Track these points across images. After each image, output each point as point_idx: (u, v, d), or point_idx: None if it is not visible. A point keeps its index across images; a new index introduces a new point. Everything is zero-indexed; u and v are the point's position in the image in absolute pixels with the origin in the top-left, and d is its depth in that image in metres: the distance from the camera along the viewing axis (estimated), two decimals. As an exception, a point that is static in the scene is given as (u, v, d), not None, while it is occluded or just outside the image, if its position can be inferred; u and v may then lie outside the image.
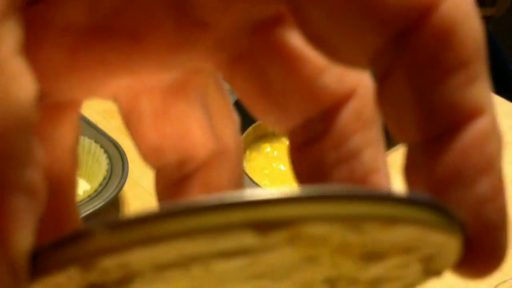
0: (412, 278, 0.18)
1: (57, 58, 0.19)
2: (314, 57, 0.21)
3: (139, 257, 0.15)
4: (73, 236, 0.16)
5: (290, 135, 0.22)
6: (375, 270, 0.17)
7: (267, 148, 0.82)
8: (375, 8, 0.17)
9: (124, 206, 0.82)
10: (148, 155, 0.23)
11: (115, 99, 0.22)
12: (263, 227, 0.15)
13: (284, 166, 0.80)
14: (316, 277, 0.17)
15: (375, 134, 0.21)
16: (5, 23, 0.16)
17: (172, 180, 0.23)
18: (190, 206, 0.15)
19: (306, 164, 0.22)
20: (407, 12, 0.17)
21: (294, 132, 0.22)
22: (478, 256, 0.18)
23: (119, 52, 0.19)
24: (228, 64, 0.21)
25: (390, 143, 0.21)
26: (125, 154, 0.82)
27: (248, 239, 0.15)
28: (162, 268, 0.16)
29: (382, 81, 0.18)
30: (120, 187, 0.78)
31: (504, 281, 0.71)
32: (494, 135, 0.18)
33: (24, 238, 0.16)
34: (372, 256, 0.17)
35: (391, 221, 0.16)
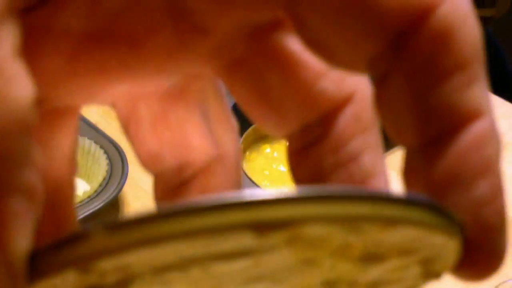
0: (411, 280, 0.18)
1: (56, 64, 0.19)
2: (312, 62, 0.21)
3: (137, 259, 0.15)
4: (71, 238, 0.16)
5: (289, 140, 0.22)
6: (374, 272, 0.17)
7: (267, 149, 0.82)
8: (373, 12, 0.17)
9: (124, 206, 0.82)
10: (147, 161, 0.23)
11: (114, 105, 0.22)
12: (262, 227, 0.15)
13: (284, 167, 0.80)
14: (315, 279, 0.17)
15: (373, 138, 0.21)
16: (3, 25, 0.16)
17: (171, 185, 0.23)
18: (188, 207, 0.15)
19: (305, 169, 0.22)
20: (404, 16, 0.17)
21: (292, 136, 0.22)
22: (477, 258, 0.18)
23: (118, 58, 0.20)
24: (226, 70, 0.21)
25: (388, 145, 0.21)
26: (125, 155, 0.82)
27: (247, 240, 0.15)
28: (161, 270, 0.16)
29: (380, 84, 0.18)
30: (120, 188, 0.78)
31: (504, 282, 0.71)
32: (492, 137, 0.18)
33: (22, 240, 0.16)
34: (371, 258, 0.17)
35: (390, 222, 0.16)
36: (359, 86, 0.21)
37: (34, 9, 0.18)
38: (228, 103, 0.24)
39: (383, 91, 0.18)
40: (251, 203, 0.15)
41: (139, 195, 0.83)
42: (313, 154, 0.21)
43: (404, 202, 0.16)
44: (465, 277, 0.18)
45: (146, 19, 0.19)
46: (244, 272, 0.16)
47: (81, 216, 0.74)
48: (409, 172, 0.19)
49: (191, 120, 0.22)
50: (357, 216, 0.16)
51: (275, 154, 0.82)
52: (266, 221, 0.15)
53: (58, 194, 0.22)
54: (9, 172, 0.16)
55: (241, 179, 0.24)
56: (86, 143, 0.82)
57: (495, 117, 0.18)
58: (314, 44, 0.19)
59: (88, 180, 0.81)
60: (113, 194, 0.78)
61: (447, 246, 0.17)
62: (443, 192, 0.18)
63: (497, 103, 1.05)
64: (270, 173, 0.80)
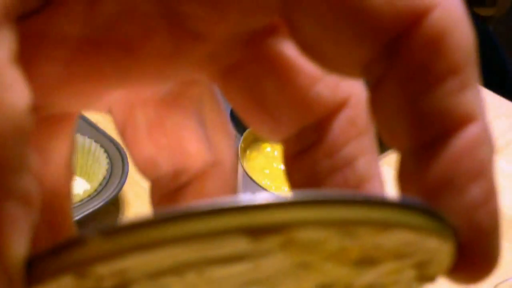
0: (406, 284, 0.18)
1: (52, 70, 0.19)
2: (307, 67, 0.21)
3: (133, 264, 0.15)
4: (67, 243, 0.16)
5: (284, 145, 0.22)
6: (369, 276, 0.18)
7: (267, 147, 0.82)
8: (366, 18, 0.17)
9: (125, 205, 0.83)
10: (144, 167, 0.23)
11: (110, 111, 0.22)
12: (256, 232, 0.15)
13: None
14: (311, 283, 0.17)
15: (368, 142, 0.21)
16: (0, 32, 0.16)
17: (167, 191, 0.23)
18: (183, 212, 0.15)
19: (300, 173, 0.22)
20: (397, 21, 0.17)
21: (288, 141, 0.22)
22: (471, 261, 0.18)
23: (114, 65, 0.20)
24: (222, 75, 0.21)
25: (382, 148, 0.21)
26: (125, 154, 0.82)
27: (242, 244, 0.15)
28: (157, 275, 0.16)
29: (374, 89, 0.18)
30: (120, 187, 0.78)
31: (505, 280, 0.71)
32: (485, 141, 0.18)
33: (19, 245, 0.16)
34: (366, 262, 0.17)
35: (385, 226, 0.16)
36: (354, 91, 0.21)
37: (30, 16, 0.18)
38: (225, 108, 0.24)
39: (377, 96, 0.18)
40: (245, 207, 0.15)
41: (139, 194, 0.83)
42: (308, 158, 0.21)
43: (398, 206, 0.16)
44: (460, 280, 0.18)
45: (142, 25, 0.19)
46: (240, 277, 0.16)
47: (81, 215, 0.74)
48: (403, 176, 0.19)
49: (187, 126, 0.22)
50: (351, 220, 0.16)
51: (276, 153, 0.82)
52: (260, 226, 0.15)
53: (55, 200, 0.22)
54: (6, 178, 0.16)
55: (237, 185, 0.24)
56: (86, 142, 0.82)
57: (488, 121, 0.18)
58: (309, 49, 0.19)
59: (88, 179, 0.81)
60: (114, 193, 0.78)
61: (441, 249, 0.17)
62: (436, 195, 0.18)
63: (497, 102, 1.05)
64: (270, 172, 0.80)
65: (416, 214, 0.17)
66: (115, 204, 0.82)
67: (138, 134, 0.22)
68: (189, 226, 0.15)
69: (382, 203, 0.16)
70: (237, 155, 0.75)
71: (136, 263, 0.15)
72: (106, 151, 0.82)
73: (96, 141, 0.82)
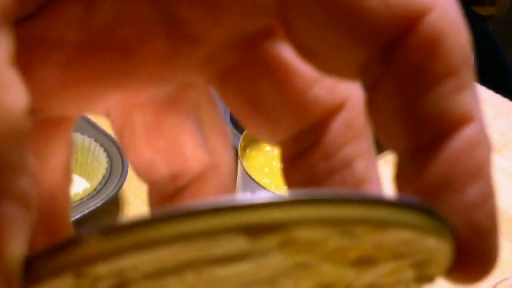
0: (405, 284, 0.18)
1: (50, 74, 0.19)
2: (304, 69, 0.21)
3: (131, 264, 0.15)
4: (65, 243, 0.16)
5: (282, 147, 0.22)
6: (368, 276, 0.18)
7: (267, 146, 0.82)
8: (363, 20, 0.17)
9: (124, 204, 0.83)
10: (142, 170, 0.23)
11: (108, 114, 0.22)
12: (254, 231, 0.15)
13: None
14: (309, 284, 0.17)
15: (366, 144, 0.21)
16: None
17: (165, 194, 0.23)
18: (181, 211, 0.15)
19: (298, 176, 0.22)
20: (393, 24, 0.17)
21: (285, 144, 0.22)
22: (469, 261, 0.18)
23: (111, 68, 0.20)
24: (219, 78, 0.21)
25: (379, 149, 0.21)
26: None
27: (240, 243, 0.15)
28: (155, 275, 0.16)
29: (371, 91, 0.18)
30: (120, 186, 0.78)
31: (504, 279, 0.71)
32: (482, 142, 0.18)
33: (17, 245, 0.16)
34: (365, 262, 0.17)
35: (383, 224, 0.16)
36: (351, 93, 0.21)
37: (27, 20, 0.18)
38: (223, 110, 0.24)
39: (374, 98, 0.18)
40: (243, 206, 0.15)
41: (139, 193, 0.83)
42: (306, 161, 0.21)
43: (396, 204, 0.16)
44: (458, 281, 0.18)
45: (139, 28, 0.19)
46: (238, 277, 0.16)
47: (81, 214, 0.74)
48: (400, 178, 0.19)
49: (185, 129, 0.22)
50: (349, 219, 0.16)
51: (275, 151, 0.82)
52: (258, 225, 0.15)
53: (53, 204, 0.22)
54: (4, 178, 0.16)
55: (235, 188, 0.24)
56: (86, 141, 0.82)
57: (484, 122, 0.18)
58: (305, 51, 0.19)
59: (88, 178, 0.82)
60: (113, 192, 0.78)
61: (440, 249, 0.17)
62: (434, 196, 0.18)
63: (497, 102, 1.05)
64: (270, 171, 0.80)
65: (414, 213, 0.17)
66: (114, 203, 0.82)
67: (136, 137, 0.22)
68: (187, 225, 0.15)
69: (380, 202, 0.16)
70: (237, 155, 0.75)
71: (134, 263, 0.15)
72: (105, 150, 0.82)
73: (95, 140, 0.82)
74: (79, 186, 0.80)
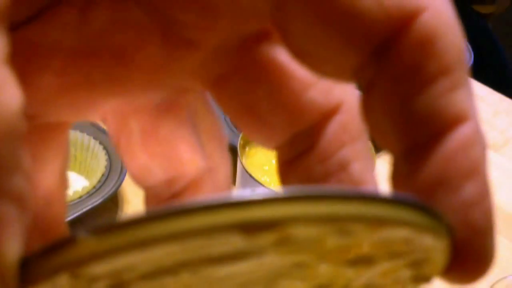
0: (402, 285, 0.18)
1: (45, 80, 0.19)
2: (299, 72, 0.21)
3: (127, 264, 0.15)
4: (60, 243, 0.16)
5: (278, 151, 0.22)
6: (366, 276, 0.17)
7: (266, 144, 0.82)
8: (356, 22, 0.17)
9: (123, 202, 0.83)
10: (138, 175, 0.23)
11: (104, 120, 0.22)
12: (250, 228, 0.15)
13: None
14: (307, 284, 0.17)
15: (362, 146, 0.21)
16: None
17: (162, 198, 0.23)
18: (176, 209, 0.15)
19: (295, 179, 0.22)
20: (387, 24, 0.17)
21: (281, 148, 0.22)
22: (465, 261, 0.18)
23: (107, 73, 0.20)
24: (215, 83, 0.21)
25: (375, 149, 0.21)
26: (124, 151, 0.81)
27: (235, 241, 0.15)
28: (151, 276, 0.16)
29: (366, 91, 0.18)
30: (119, 184, 0.78)
31: (503, 278, 0.71)
32: (477, 141, 0.18)
33: (12, 245, 0.16)
34: (362, 261, 0.17)
35: (379, 222, 0.16)
36: (346, 96, 0.21)
37: (23, 26, 0.18)
38: (219, 113, 0.24)
39: (369, 98, 0.18)
40: (238, 203, 0.15)
41: (138, 191, 0.83)
42: (302, 164, 0.21)
43: (392, 201, 0.16)
44: (455, 281, 0.18)
45: (134, 33, 0.19)
46: (236, 277, 0.16)
47: (80, 212, 0.74)
48: (396, 177, 0.19)
49: (181, 134, 0.22)
50: (345, 216, 0.16)
51: (275, 150, 0.82)
52: (253, 222, 0.15)
53: (48, 209, 0.22)
54: None
55: (230, 191, 0.25)
56: (85, 139, 0.82)
57: (480, 120, 0.18)
58: (300, 54, 0.19)
59: (87, 176, 0.81)
60: (112, 190, 0.78)
61: (436, 247, 0.17)
62: (430, 195, 0.18)
63: (497, 99, 1.05)
64: (269, 168, 0.80)
65: (411, 210, 0.17)
66: (114, 201, 0.82)
67: (132, 143, 0.22)
68: (182, 223, 0.15)
69: (377, 198, 0.16)
70: (236, 153, 0.75)
71: (129, 263, 0.15)
72: (105, 148, 0.82)
73: (95, 138, 0.82)
74: (78, 184, 0.80)
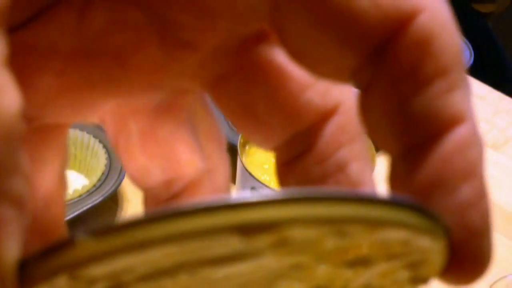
0: (400, 286, 0.18)
1: (44, 82, 0.19)
2: (297, 73, 0.21)
3: (125, 265, 0.15)
4: (59, 245, 0.16)
5: (276, 153, 0.22)
6: (364, 277, 0.18)
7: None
8: (353, 24, 0.17)
9: (123, 201, 0.83)
10: (137, 176, 0.23)
11: (103, 122, 0.22)
12: (247, 230, 0.15)
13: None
14: (305, 286, 0.17)
15: (360, 147, 0.21)
16: None
17: (161, 200, 0.23)
18: (174, 210, 0.15)
19: (293, 180, 0.22)
20: (384, 26, 0.17)
21: (279, 149, 0.22)
22: (463, 262, 0.18)
23: (106, 75, 0.20)
24: (213, 84, 0.21)
25: (374, 149, 0.21)
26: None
27: (233, 243, 0.15)
28: (150, 277, 0.16)
29: (363, 92, 0.18)
30: (119, 183, 0.78)
31: (502, 277, 0.71)
32: (475, 142, 0.18)
33: (11, 247, 0.16)
34: (360, 262, 0.17)
35: (377, 223, 0.16)
36: (344, 97, 0.21)
37: (21, 28, 0.18)
38: (218, 114, 0.24)
39: (367, 100, 0.19)
40: (236, 205, 0.15)
41: (138, 190, 0.83)
42: (300, 165, 0.21)
43: (390, 203, 0.16)
44: (452, 282, 0.18)
45: (133, 35, 0.19)
46: (234, 278, 0.16)
47: (80, 211, 0.74)
48: (394, 178, 0.19)
49: (180, 135, 0.22)
50: (343, 217, 0.16)
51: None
52: (251, 223, 0.15)
53: (47, 211, 0.22)
54: None
55: (229, 192, 0.25)
56: (85, 138, 0.82)
57: (477, 121, 0.18)
58: (298, 55, 0.19)
59: (87, 174, 0.81)
60: (112, 189, 0.78)
61: (434, 249, 0.17)
62: (427, 197, 0.18)
63: (497, 98, 1.05)
64: (269, 167, 0.80)
65: (408, 212, 0.17)
66: (114, 199, 0.82)
67: (131, 144, 0.22)
68: (180, 225, 0.15)
69: (375, 200, 0.16)
70: (236, 152, 0.75)
71: (128, 264, 0.15)
72: (105, 146, 0.82)
73: (94, 136, 0.82)
74: (78, 182, 0.80)
